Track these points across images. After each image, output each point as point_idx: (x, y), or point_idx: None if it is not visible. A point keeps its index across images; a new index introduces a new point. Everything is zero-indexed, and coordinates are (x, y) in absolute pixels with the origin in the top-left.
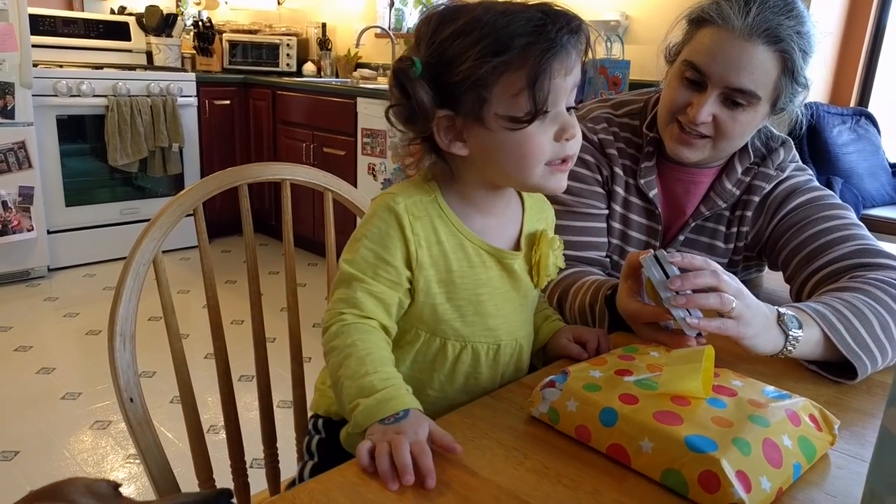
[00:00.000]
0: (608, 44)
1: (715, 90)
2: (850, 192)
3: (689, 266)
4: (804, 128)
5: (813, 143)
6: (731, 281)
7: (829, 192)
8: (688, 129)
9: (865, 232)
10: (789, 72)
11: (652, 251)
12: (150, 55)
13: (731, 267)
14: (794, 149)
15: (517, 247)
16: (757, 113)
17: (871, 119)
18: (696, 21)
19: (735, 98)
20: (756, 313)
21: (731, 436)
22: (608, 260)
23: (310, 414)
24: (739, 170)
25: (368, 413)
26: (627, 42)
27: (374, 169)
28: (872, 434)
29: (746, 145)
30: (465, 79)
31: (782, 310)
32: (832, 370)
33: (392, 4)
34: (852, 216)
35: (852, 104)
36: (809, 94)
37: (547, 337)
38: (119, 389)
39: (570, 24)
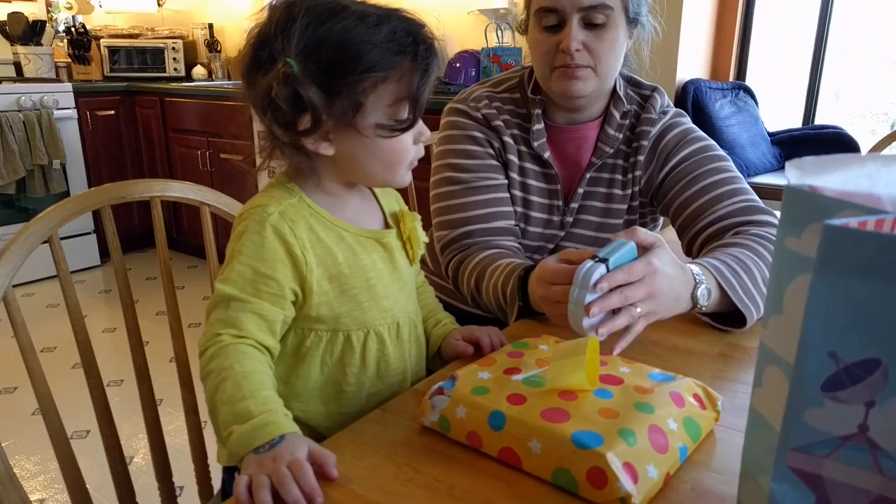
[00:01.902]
0: (499, 31)
1: (573, 18)
2: (734, 163)
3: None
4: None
5: (697, 117)
6: (638, 287)
7: (711, 141)
8: (569, 65)
9: (745, 185)
10: None
11: (591, 263)
12: (18, 66)
13: (630, 214)
14: (666, 95)
15: (387, 227)
16: (618, 29)
17: (749, 92)
18: None
19: (593, 19)
20: (666, 295)
21: (617, 427)
22: (517, 228)
23: (221, 466)
24: (617, 115)
25: (243, 441)
26: (518, 30)
27: (274, 172)
28: None
29: (618, 94)
30: (343, 86)
31: (697, 279)
32: (721, 320)
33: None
34: (733, 167)
35: (731, 79)
36: (691, 71)
37: (439, 340)
38: None
39: (431, 43)
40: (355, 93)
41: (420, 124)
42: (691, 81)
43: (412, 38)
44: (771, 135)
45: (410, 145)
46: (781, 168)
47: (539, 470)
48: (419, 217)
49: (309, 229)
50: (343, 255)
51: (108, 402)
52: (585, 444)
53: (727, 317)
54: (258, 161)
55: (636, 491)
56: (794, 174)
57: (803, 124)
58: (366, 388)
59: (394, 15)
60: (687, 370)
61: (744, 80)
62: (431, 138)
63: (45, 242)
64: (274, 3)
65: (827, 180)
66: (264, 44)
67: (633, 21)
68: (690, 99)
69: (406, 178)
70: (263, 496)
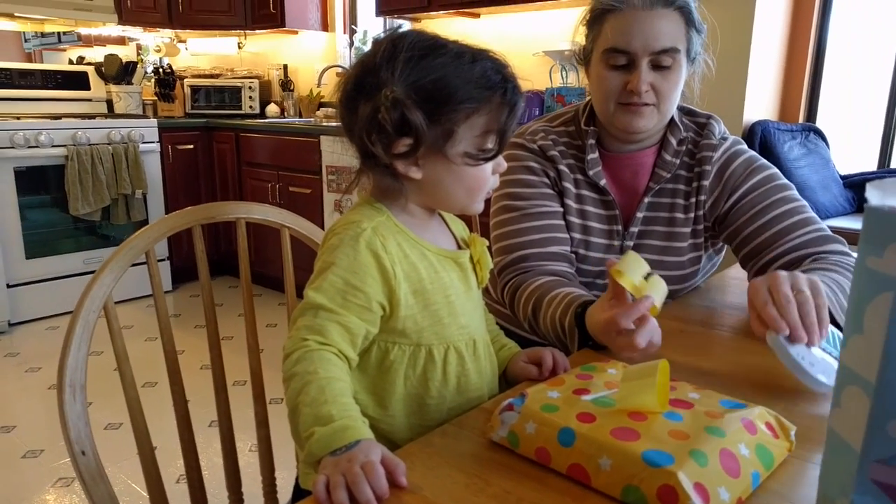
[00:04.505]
0: (563, 72)
1: (643, 61)
2: None
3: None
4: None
5: (766, 159)
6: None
7: (775, 169)
8: (635, 102)
9: (813, 214)
10: (692, 22)
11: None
12: (110, 103)
13: (694, 238)
14: (722, 122)
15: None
16: (681, 68)
17: (820, 133)
18: (597, 17)
19: (661, 62)
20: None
21: (687, 448)
22: (573, 255)
23: (296, 484)
24: (674, 142)
25: (323, 443)
26: (582, 71)
27: (340, 205)
28: None
29: (674, 120)
30: (440, 114)
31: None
32: None
33: (352, 44)
34: (799, 196)
35: (800, 120)
36: (759, 112)
37: (504, 363)
38: (70, 442)
39: (517, 84)
40: (450, 121)
41: (499, 157)
42: (759, 123)
43: (501, 76)
44: (843, 178)
45: (490, 174)
46: (854, 212)
47: (608, 487)
48: (486, 241)
49: (397, 245)
50: (426, 271)
51: (188, 409)
52: (656, 462)
53: None
54: (326, 186)
55: None
56: (875, 195)
57: (878, 168)
58: (447, 401)
59: (485, 55)
60: (757, 403)
61: (814, 122)
62: None
63: (138, 264)
64: (379, 38)
65: None
66: (369, 73)
67: (692, 60)
68: (758, 140)
69: (481, 205)
70: (340, 496)
